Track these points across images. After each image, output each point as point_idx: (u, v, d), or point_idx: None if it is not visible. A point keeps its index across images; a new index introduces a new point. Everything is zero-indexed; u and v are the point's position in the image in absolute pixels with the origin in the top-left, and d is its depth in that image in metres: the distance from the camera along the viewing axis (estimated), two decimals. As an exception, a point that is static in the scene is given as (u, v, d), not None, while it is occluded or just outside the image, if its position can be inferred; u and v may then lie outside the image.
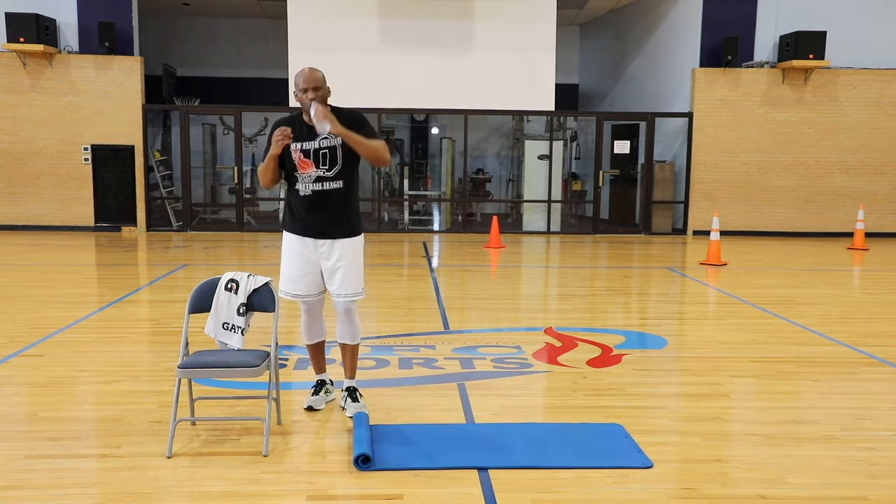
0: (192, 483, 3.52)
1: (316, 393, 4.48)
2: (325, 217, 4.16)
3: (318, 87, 4.07)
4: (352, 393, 4.41)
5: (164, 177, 14.18)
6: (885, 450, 3.97)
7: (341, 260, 4.20)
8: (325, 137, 4.11)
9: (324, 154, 4.13)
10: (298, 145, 4.12)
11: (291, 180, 4.20)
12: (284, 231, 4.31)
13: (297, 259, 4.24)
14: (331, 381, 4.61)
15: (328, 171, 4.13)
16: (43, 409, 4.48)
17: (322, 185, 4.13)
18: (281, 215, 4.35)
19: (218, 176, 15.97)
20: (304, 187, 4.14)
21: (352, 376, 4.46)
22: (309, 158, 4.12)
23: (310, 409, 4.41)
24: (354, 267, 4.25)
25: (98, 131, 13.22)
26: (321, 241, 4.19)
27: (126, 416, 4.31)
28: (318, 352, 4.52)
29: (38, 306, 7.32)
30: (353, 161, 4.20)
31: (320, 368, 4.56)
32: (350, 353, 4.44)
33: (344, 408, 4.38)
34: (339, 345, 4.46)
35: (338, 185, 4.16)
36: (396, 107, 13.97)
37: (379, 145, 4.20)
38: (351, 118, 4.20)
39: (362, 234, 4.34)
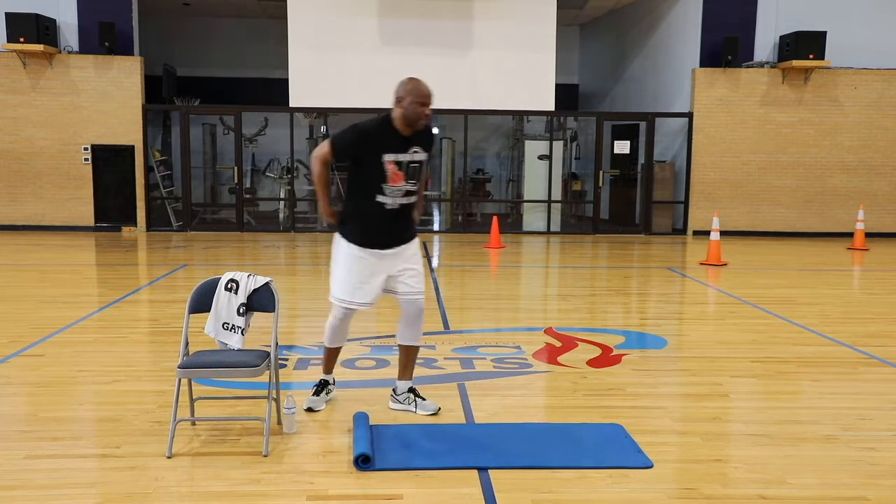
0: (192, 483, 3.52)
1: (317, 393, 4.48)
2: (402, 227, 4.19)
3: (430, 105, 4.05)
4: (417, 393, 4.44)
5: (164, 177, 14.18)
6: (885, 450, 3.97)
7: (411, 260, 4.25)
8: (417, 151, 4.08)
9: (413, 168, 4.10)
10: (392, 157, 4.02)
11: (370, 191, 4.05)
12: (347, 241, 4.16)
13: (363, 268, 4.14)
14: (333, 380, 4.62)
15: (414, 184, 4.13)
16: (43, 409, 4.48)
17: (408, 199, 4.13)
18: (346, 225, 4.21)
19: (218, 176, 15.97)
20: (392, 201, 4.06)
21: (411, 377, 4.48)
22: (401, 171, 4.04)
23: (310, 410, 4.40)
24: (421, 265, 4.33)
25: (98, 131, 13.22)
26: (392, 249, 4.18)
27: (126, 416, 4.31)
28: (335, 355, 4.54)
29: (38, 306, 7.32)
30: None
31: (329, 369, 4.56)
32: (414, 355, 4.47)
33: (416, 410, 4.37)
34: (400, 347, 4.46)
35: (416, 197, 4.20)
36: (396, 107, 13.93)
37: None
38: (432, 139, 4.26)
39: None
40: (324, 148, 4.06)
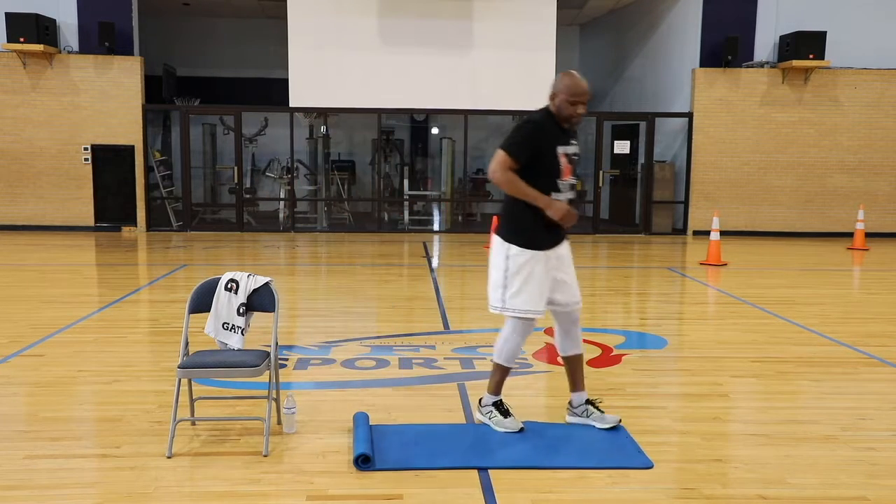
0: (192, 483, 3.52)
1: (506, 415, 4.13)
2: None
3: (587, 101, 3.85)
4: (595, 404, 4.21)
5: (164, 177, 14.18)
6: (885, 450, 3.97)
7: (568, 263, 4.04)
8: (574, 142, 3.92)
9: (575, 160, 3.94)
10: (563, 149, 3.84)
11: (545, 188, 3.83)
12: (523, 248, 3.87)
13: (544, 273, 3.91)
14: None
15: (576, 178, 3.97)
16: (43, 409, 4.48)
17: (572, 192, 3.95)
18: (513, 229, 3.89)
19: (218, 176, 15.97)
20: (565, 196, 3.89)
21: (584, 387, 4.22)
22: (570, 164, 3.89)
23: (521, 430, 4.08)
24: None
25: (98, 131, 13.22)
26: (557, 248, 3.97)
27: (126, 416, 4.31)
28: (577, 366, 4.18)
29: (38, 306, 7.32)
30: None
31: (577, 385, 4.18)
32: (581, 364, 4.20)
33: (596, 424, 4.14)
34: (564, 359, 4.21)
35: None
36: (396, 107, 13.96)
37: None
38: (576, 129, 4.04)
39: None
40: (499, 157, 3.78)
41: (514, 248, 3.90)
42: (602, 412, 4.19)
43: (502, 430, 4.08)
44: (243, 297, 4.06)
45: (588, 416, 4.19)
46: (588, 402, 4.21)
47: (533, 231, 3.88)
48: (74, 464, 3.69)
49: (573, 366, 4.19)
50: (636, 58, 15.84)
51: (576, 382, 4.20)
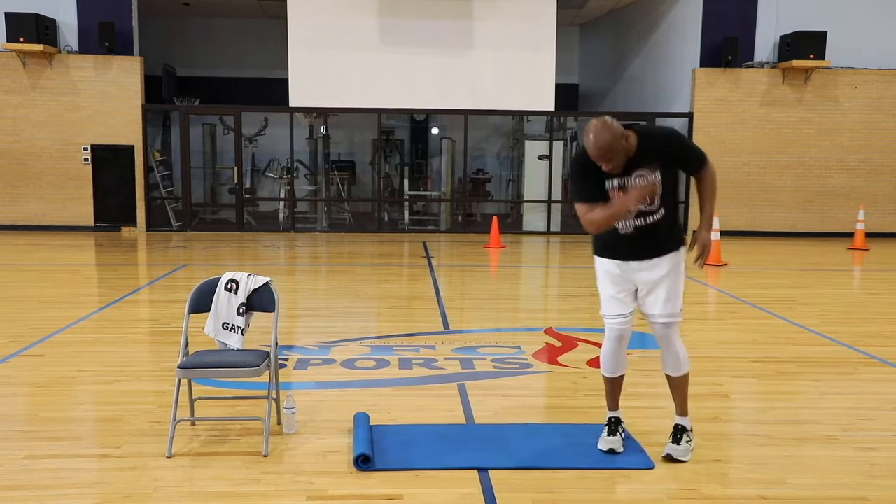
0: (192, 483, 3.52)
1: (613, 433, 3.91)
2: (649, 246, 3.75)
3: (611, 158, 3.49)
4: (678, 433, 3.87)
5: (164, 177, 14.18)
6: (885, 450, 3.97)
7: (663, 277, 3.77)
8: (642, 175, 3.61)
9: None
10: (614, 182, 3.61)
11: None
12: (596, 256, 3.89)
13: (612, 279, 3.81)
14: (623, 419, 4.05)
15: (650, 204, 3.65)
16: (43, 409, 4.48)
17: (644, 220, 3.68)
18: (593, 238, 3.84)
19: (218, 176, 15.97)
20: (624, 225, 3.67)
21: (683, 412, 3.92)
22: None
23: (611, 451, 3.84)
24: (677, 283, 3.81)
25: (98, 131, 13.21)
26: (638, 263, 3.77)
27: (126, 416, 4.31)
28: (619, 386, 3.99)
29: (38, 306, 7.32)
30: (674, 184, 3.79)
31: (616, 404, 4.00)
32: (675, 386, 3.91)
33: (669, 454, 3.82)
34: (665, 375, 3.95)
35: (660, 214, 3.71)
36: (396, 107, 13.96)
37: (713, 181, 3.96)
38: (665, 147, 3.69)
39: (684, 247, 3.91)
40: (578, 211, 3.68)
41: (596, 258, 3.90)
42: (673, 444, 3.86)
43: (607, 447, 3.87)
44: (243, 297, 4.06)
45: (672, 441, 3.88)
46: (677, 428, 3.90)
47: (603, 243, 3.82)
48: (74, 464, 3.69)
49: (669, 385, 3.95)
50: (636, 58, 15.83)
51: (675, 403, 3.96)
